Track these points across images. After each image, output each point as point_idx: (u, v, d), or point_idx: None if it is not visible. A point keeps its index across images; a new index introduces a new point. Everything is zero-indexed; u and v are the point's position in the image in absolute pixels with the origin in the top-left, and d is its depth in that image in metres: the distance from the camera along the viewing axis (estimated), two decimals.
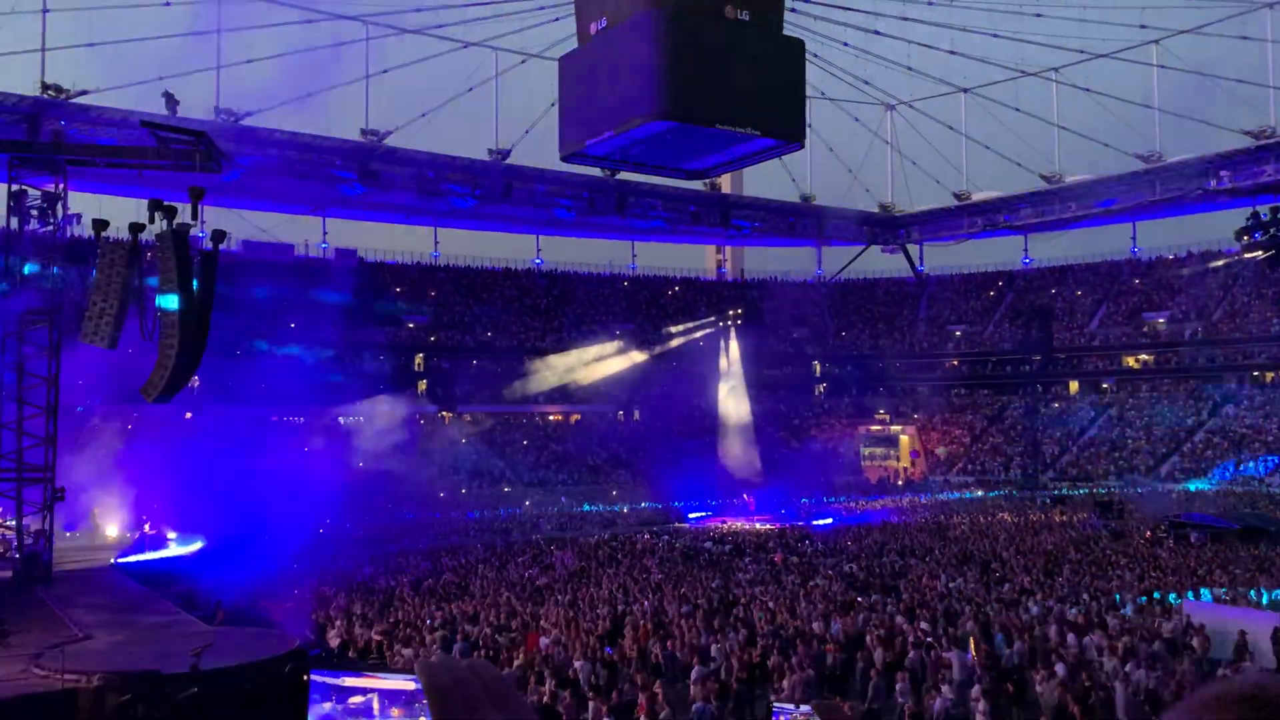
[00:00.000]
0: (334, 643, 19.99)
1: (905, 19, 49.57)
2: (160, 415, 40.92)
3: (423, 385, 64.56)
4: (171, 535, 32.06)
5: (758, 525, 43.69)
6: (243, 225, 62.26)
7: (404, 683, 15.63)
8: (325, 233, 68.78)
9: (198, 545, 31.50)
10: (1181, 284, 67.79)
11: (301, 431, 51.81)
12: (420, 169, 60.09)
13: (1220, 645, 17.59)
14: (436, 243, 73.84)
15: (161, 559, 29.11)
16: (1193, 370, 65.25)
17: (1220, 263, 62.45)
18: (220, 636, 14.83)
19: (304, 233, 68.68)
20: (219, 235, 21.37)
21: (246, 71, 52.11)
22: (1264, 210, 40.70)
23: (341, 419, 53.86)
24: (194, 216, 19.90)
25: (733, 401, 60.03)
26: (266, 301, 55.77)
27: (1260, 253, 40.71)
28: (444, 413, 62.48)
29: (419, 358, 66.60)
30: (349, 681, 16.33)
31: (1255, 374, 62.60)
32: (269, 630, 20.92)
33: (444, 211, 67.78)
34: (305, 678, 13.13)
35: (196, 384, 51.79)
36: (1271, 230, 39.26)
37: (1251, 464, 53.86)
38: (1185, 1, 48.11)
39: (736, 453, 59.51)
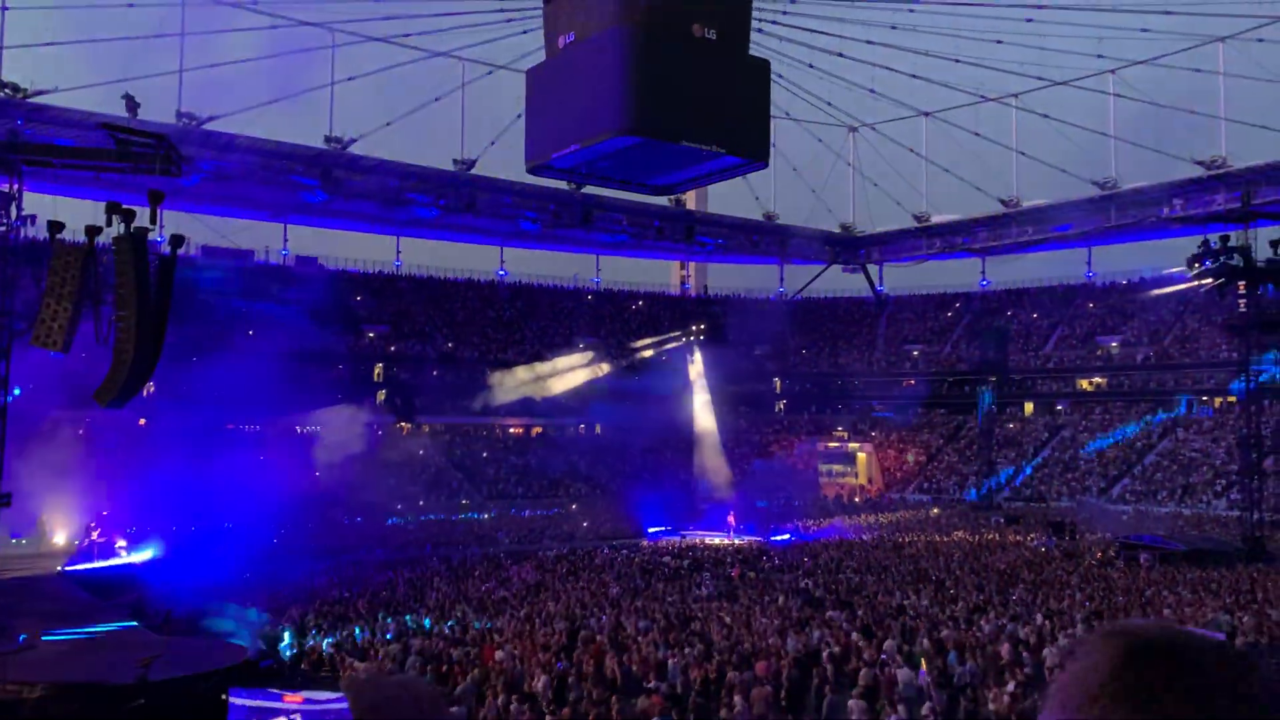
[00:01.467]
0: (286, 654, 19.75)
1: (869, 43, 50.15)
2: (114, 420, 40.26)
3: (382, 395, 64.10)
4: (121, 543, 31.54)
5: (718, 540, 43.76)
6: (203, 230, 61.68)
7: (334, 703, 15.23)
8: (286, 239, 68.25)
9: (149, 553, 31.02)
10: (1135, 309, 69.04)
11: (258, 439, 51.22)
12: (384, 178, 59.81)
13: None
14: (399, 252, 73.53)
15: (111, 567, 28.64)
16: (1144, 394, 66.44)
17: (1172, 289, 63.66)
18: (168, 648, 14.61)
19: (265, 239, 68.28)
20: (177, 240, 21.13)
21: (210, 76, 51.71)
22: (1214, 239, 41.55)
23: (299, 428, 53.31)
24: (152, 220, 19.67)
25: (702, 416, 60.19)
26: (225, 307, 55.17)
27: (1210, 280, 41.53)
28: (403, 423, 62.04)
29: (379, 367, 66.14)
30: (274, 701, 15.72)
31: (1204, 398, 63.84)
32: (219, 641, 20.65)
33: (407, 221, 67.48)
34: (223, 697, 12.81)
35: (151, 389, 51.12)
36: (1221, 259, 40.08)
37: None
38: (1141, 33, 49.16)
39: (709, 467, 59.63)
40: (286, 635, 20.77)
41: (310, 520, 43.21)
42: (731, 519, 48.36)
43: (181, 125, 50.05)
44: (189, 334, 51.85)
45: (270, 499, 37.07)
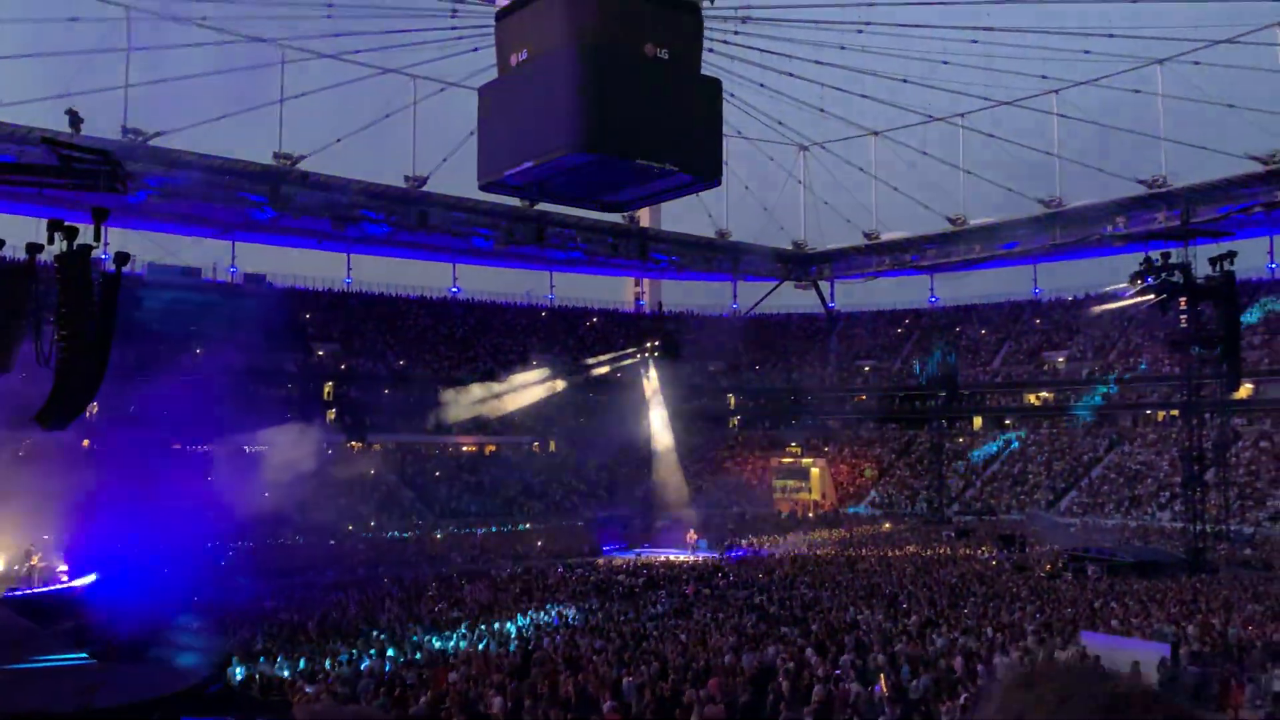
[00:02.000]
0: (234, 679, 19.36)
1: (819, 63, 50.75)
2: (56, 442, 39.33)
3: (332, 414, 63.34)
4: (62, 568, 30.80)
5: (673, 558, 43.72)
6: (149, 248, 60.63)
7: None
8: (234, 257, 67.35)
9: (91, 578, 30.31)
10: (1080, 325, 70.34)
11: (205, 460, 50.34)
12: (334, 194, 59.27)
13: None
14: (349, 269, 72.86)
15: (51, 592, 27.94)
16: (1090, 408, 67.62)
17: (1116, 305, 64.97)
18: (112, 674, 14.26)
19: (212, 256, 67.17)
20: (122, 257, 20.74)
21: (157, 91, 50.96)
22: (1156, 256, 42.51)
23: (247, 447, 52.47)
24: (96, 238, 19.29)
25: (657, 433, 60.14)
26: (172, 326, 54.24)
27: (1153, 296, 42.45)
28: (354, 442, 61.33)
29: (329, 386, 65.38)
30: None
31: (1148, 412, 65.13)
32: (163, 667, 20.19)
33: (358, 238, 66.92)
34: None
35: (95, 410, 50.04)
36: (1163, 275, 41.01)
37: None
38: (1084, 55, 50.27)
39: (665, 484, 59.57)
40: (235, 660, 20.37)
41: (259, 541, 42.57)
42: (692, 536, 48.38)
43: (127, 141, 49.29)
44: (135, 353, 50.89)
45: (218, 520, 36.42)
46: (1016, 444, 65.15)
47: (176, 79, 50.81)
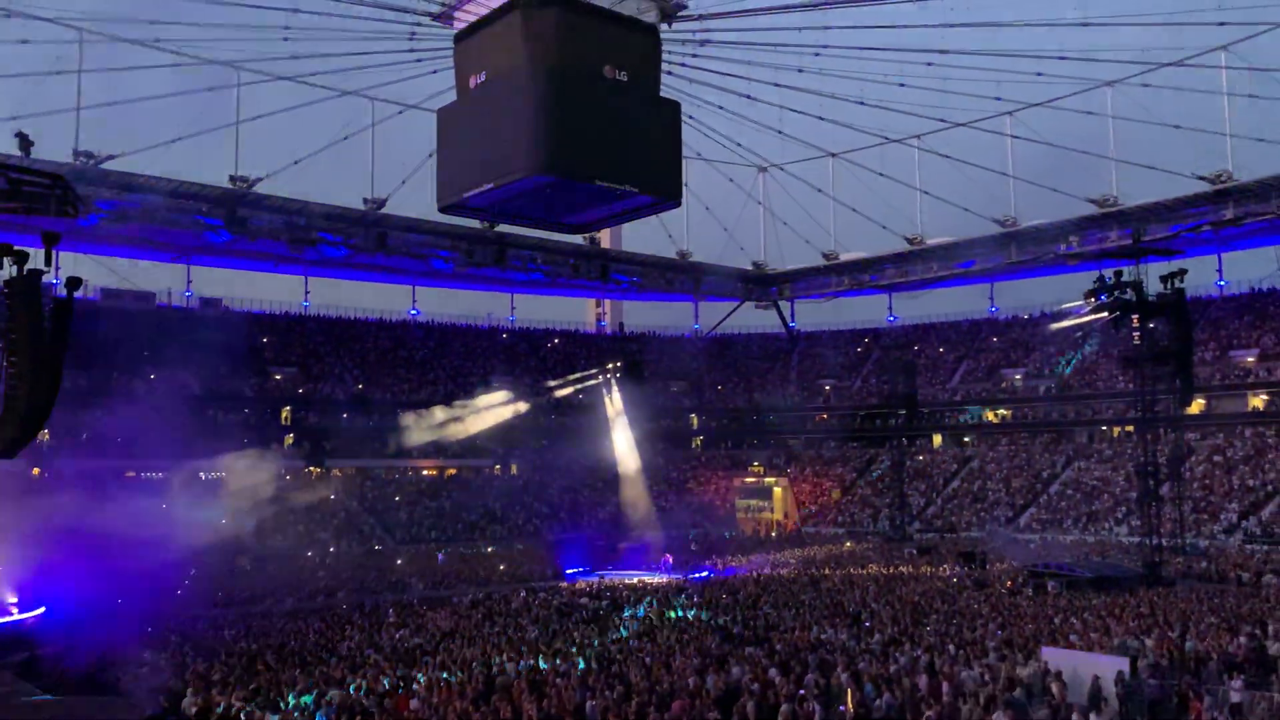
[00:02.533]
0: (190, 710, 18.95)
1: (777, 85, 51.17)
2: (4, 471, 38.51)
3: (290, 439, 62.61)
4: (12, 600, 30.10)
5: (634, 580, 43.52)
6: (102, 272, 59.79)
7: None
8: (190, 281, 66.56)
9: (41, 609, 29.66)
10: (1036, 342, 71.30)
11: (161, 487, 49.54)
12: (291, 217, 58.70)
13: (1076, 690, 18.26)
14: (307, 292, 72.23)
15: (1, 624, 27.30)
16: (1047, 424, 68.48)
17: (1071, 323, 65.95)
18: (65, 707, 13.93)
19: (167, 280, 66.36)
20: (74, 282, 20.37)
21: (109, 114, 50.24)
22: (1109, 274, 43.21)
23: (203, 474, 51.70)
24: (47, 263, 18.95)
25: (620, 454, 59.96)
26: (126, 351, 53.44)
27: (1106, 314, 43.13)
28: (312, 468, 60.64)
29: (286, 410, 64.65)
30: None
31: (1104, 428, 66.05)
32: (117, 700, 19.76)
33: (315, 260, 66.32)
34: None
35: (46, 437, 49.11)
36: (1115, 293, 41.69)
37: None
38: (1037, 77, 51.12)
39: (628, 505, 59.38)
40: (190, 691, 19.94)
41: (217, 569, 41.86)
42: (667, 557, 48.24)
43: (79, 164, 48.54)
44: (88, 379, 50.09)
45: (174, 548, 35.80)
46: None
47: (130, 101, 50.17)
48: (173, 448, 47.66)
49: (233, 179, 54.33)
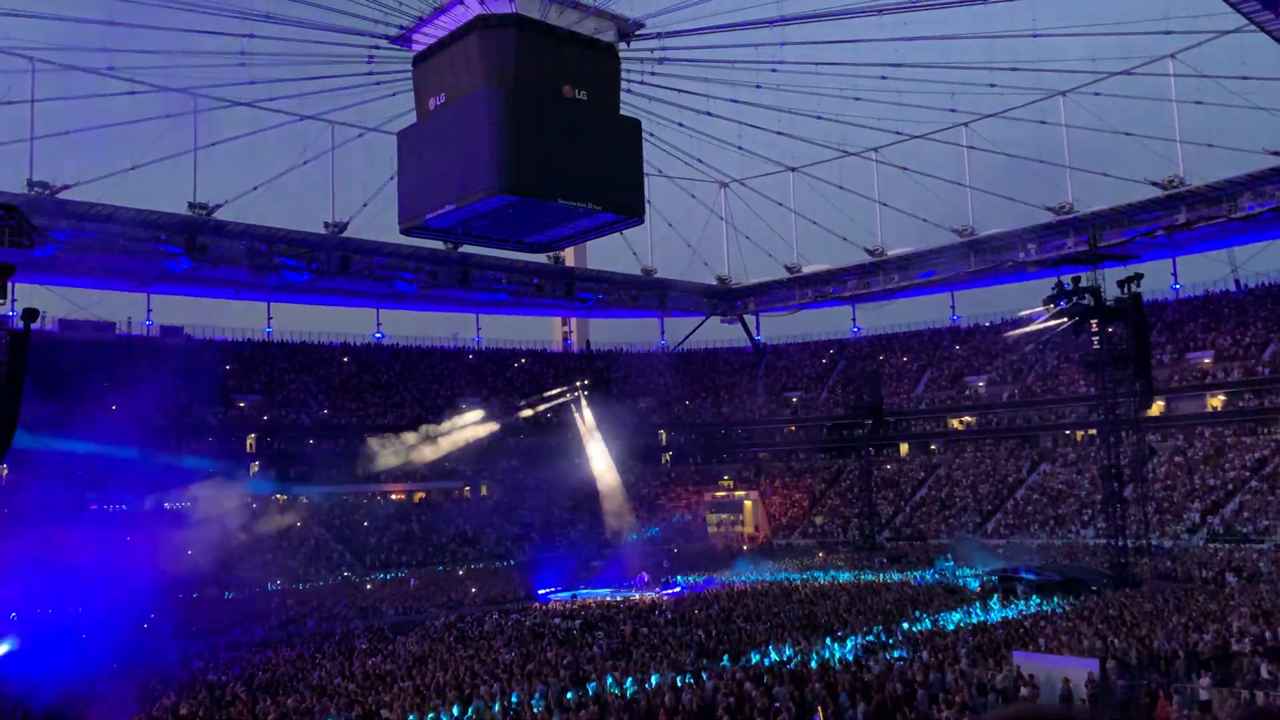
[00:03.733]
0: None
1: (735, 101, 51.55)
2: None
3: (255, 467, 61.89)
4: None
5: (605, 598, 43.40)
6: (60, 303, 58.87)
7: None
8: (150, 309, 65.71)
9: (3, 647, 29.09)
10: (998, 349, 72.09)
11: (124, 518, 48.81)
12: (252, 243, 58.24)
13: (1048, 693, 18.44)
14: (270, 318, 71.56)
15: None
16: (1011, 430, 69.17)
17: (1032, 329, 66.75)
18: None
19: (127, 310, 65.48)
20: (30, 314, 20.13)
21: (64, 143, 49.67)
22: (1067, 280, 43.90)
23: (168, 505, 51.01)
24: (2, 295, 18.73)
25: (592, 472, 59.77)
26: (86, 381, 52.66)
27: (1065, 319, 43.76)
28: (279, 495, 59.99)
29: (251, 438, 63.92)
30: None
31: (1067, 433, 66.82)
32: None
33: (277, 286, 65.76)
34: None
35: (4, 471, 48.27)
36: (1074, 299, 42.33)
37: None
38: (990, 88, 51.88)
39: (603, 522, 59.21)
40: None
41: (183, 600, 41.28)
42: (645, 575, 48.17)
43: (34, 194, 47.93)
44: (47, 411, 49.28)
45: (139, 581, 35.25)
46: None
47: (85, 130, 49.64)
48: (135, 479, 47.01)
49: (192, 206, 53.84)
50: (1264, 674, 20.50)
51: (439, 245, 56.45)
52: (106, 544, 38.53)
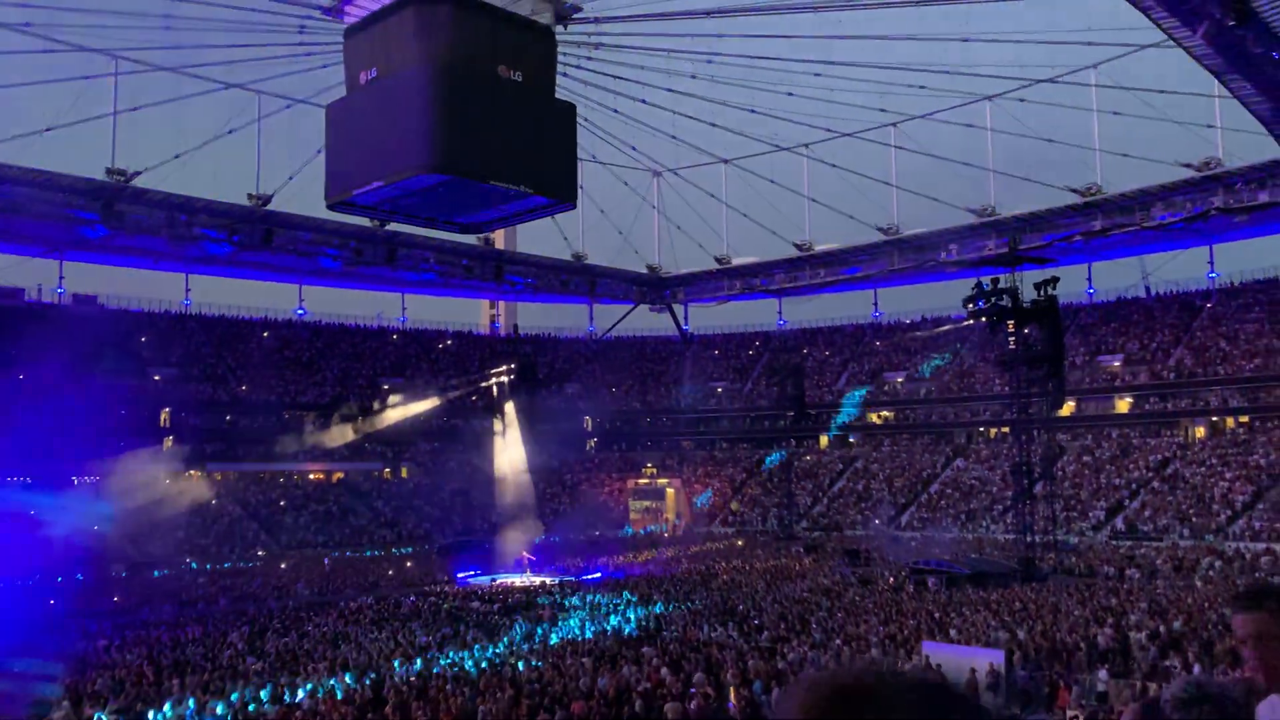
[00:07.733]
0: None
1: (671, 90, 51.66)
2: None
3: (169, 442, 60.43)
4: None
5: (527, 581, 43.43)
6: None
7: None
8: (62, 277, 63.65)
9: None
10: (917, 347, 73.58)
11: (29, 492, 47.25)
12: (172, 212, 56.62)
13: (956, 682, 18.98)
14: (188, 290, 69.82)
15: None
16: (928, 426, 70.71)
17: (951, 327, 68.23)
18: None
19: (38, 276, 63.33)
20: None
21: None
22: (987, 281, 44.97)
23: (76, 479, 49.56)
24: None
25: (513, 457, 59.38)
26: None
27: (984, 319, 44.85)
28: (193, 471, 58.66)
29: (165, 412, 62.38)
30: None
31: (982, 429, 68.54)
32: None
33: (197, 257, 64.13)
34: None
35: None
36: (993, 299, 43.38)
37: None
38: (920, 90, 52.80)
39: (521, 507, 58.94)
40: (64, 704, 19.13)
41: (92, 577, 40.16)
42: (530, 559, 48.28)
43: None
44: None
45: (44, 557, 34.25)
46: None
47: None
48: (42, 452, 45.55)
49: (110, 172, 52.16)
50: (1159, 665, 21.34)
51: (365, 222, 55.54)
52: (10, 518, 37.33)
